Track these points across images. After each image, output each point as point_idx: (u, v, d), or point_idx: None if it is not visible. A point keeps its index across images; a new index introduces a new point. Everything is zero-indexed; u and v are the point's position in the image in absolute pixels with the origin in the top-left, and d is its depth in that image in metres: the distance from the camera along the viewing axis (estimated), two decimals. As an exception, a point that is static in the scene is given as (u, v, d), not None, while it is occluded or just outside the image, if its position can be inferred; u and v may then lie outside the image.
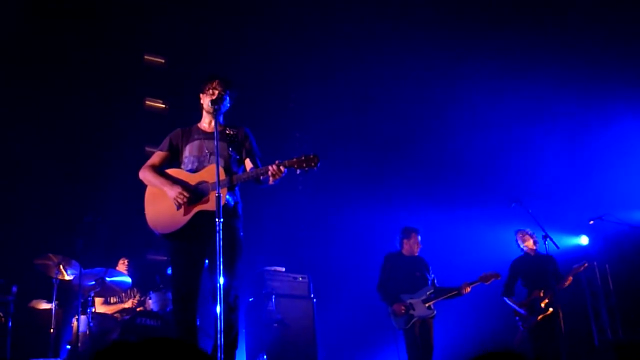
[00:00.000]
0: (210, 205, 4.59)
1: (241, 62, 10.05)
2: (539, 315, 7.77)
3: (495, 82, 10.43)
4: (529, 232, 8.23)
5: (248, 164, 5.02)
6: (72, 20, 9.28)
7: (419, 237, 7.97)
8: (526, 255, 8.25)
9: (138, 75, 10.15)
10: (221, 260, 4.10)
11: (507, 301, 8.10)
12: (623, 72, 9.72)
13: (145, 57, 10.33)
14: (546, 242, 7.57)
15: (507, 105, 10.38)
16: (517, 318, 8.03)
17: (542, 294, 7.84)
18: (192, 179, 4.77)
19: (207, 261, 4.74)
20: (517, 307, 7.99)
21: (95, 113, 9.41)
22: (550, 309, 7.78)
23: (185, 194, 4.65)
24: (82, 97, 9.29)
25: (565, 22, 10.19)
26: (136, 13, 9.75)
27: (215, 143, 4.48)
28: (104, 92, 9.51)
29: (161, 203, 4.76)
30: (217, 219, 4.20)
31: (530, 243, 8.21)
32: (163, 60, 10.40)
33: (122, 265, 8.25)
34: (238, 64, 9.92)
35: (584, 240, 9.76)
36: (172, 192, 4.68)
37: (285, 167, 4.56)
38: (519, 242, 8.30)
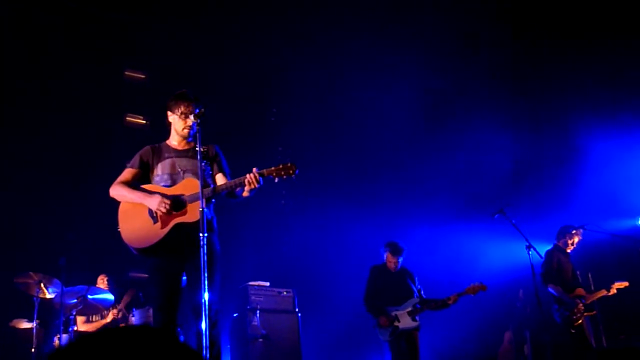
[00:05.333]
0: (188, 217, 4.54)
1: (222, 74, 10.03)
2: (585, 312, 7.88)
3: (476, 98, 10.54)
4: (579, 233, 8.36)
5: (220, 179, 4.95)
6: (54, 35, 9.23)
7: (398, 259, 7.91)
8: (563, 252, 8.33)
9: (119, 91, 10.10)
10: (204, 275, 4.06)
11: (553, 290, 8.04)
12: (604, 88, 9.86)
13: (126, 72, 10.28)
14: (530, 252, 7.58)
15: (489, 119, 10.45)
16: (555, 307, 8.02)
17: (584, 293, 7.99)
18: (169, 193, 4.70)
19: (185, 276, 4.69)
20: (567, 297, 7.96)
21: (76, 129, 9.34)
22: (594, 311, 8.00)
23: (167, 201, 4.56)
24: (63, 114, 9.23)
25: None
26: (117, 28, 9.73)
27: (199, 164, 4.45)
28: (85, 109, 9.45)
29: (136, 218, 4.68)
30: (201, 234, 4.15)
31: (575, 241, 8.36)
32: (144, 76, 10.35)
33: (101, 282, 8.18)
34: (219, 76, 9.90)
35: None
36: (153, 202, 4.58)
37: (262, 176, 4.51)
38: (573, 238, 8.36)
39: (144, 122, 10.24)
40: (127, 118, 10.19)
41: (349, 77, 10.69)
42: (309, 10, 10.05)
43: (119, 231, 4.77)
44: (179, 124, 4.92)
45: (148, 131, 10.11)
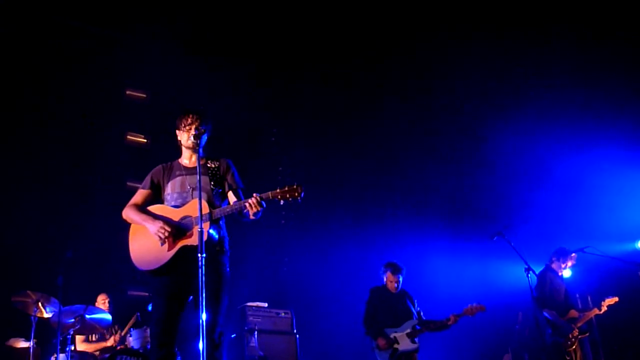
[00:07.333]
0: (194, 240, 4.52)
1: (223, 95, 10.04)
2: (580, 334, 7.90)
3: (480, 119, 10.57)
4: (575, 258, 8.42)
5: (231, 196, 4.95)
6: (53, 54, 9.26)
7: (399, 277, 7.88)
8: (556, 273, 8.36)
9: (119, 110, 10.12)
10: (204, 296, 4.03)
11: (547, 314, 8.01)
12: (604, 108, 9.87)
13: (127, 92, 10.31)
14: (529, 275, 7.56)
15: (491, 141, 10.47)
16: (549, 332, 7.97)
17: (577, 314, 8.04)
18: (176, 214, 4.72)
19: (191, 297, 4.67)
20: (562, 322, 7.96)
21: (76, 148, 9.35)
22: (587, 333, 8.08)
23: (167, 228, 4.60)
24: (64, 132, 9.24)
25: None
26: (118, 48, 9.76)
27: (198, 177, 4.44)
28: (86, 127, 9.46)
29: (145, 240, 4.72)
30: (199, 254, 4.14)
31: (569, 265, 8.46)
32: (145, 95, 10.38)
33: (101, 302, 8.14)
34: (220, 97, 9.92)
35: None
36: (154, 227, 4.64)
37: (263, 199, 4.51)
38: (567, 262, 8.43)
39: (145, 141, 10.25)
40: (128, 137, 10.21)
41: (349, 96, 10.73)
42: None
43: (130, 252, 4.81)
44: (184, 137, 4.97)
45: (148, 150, 10.13)
